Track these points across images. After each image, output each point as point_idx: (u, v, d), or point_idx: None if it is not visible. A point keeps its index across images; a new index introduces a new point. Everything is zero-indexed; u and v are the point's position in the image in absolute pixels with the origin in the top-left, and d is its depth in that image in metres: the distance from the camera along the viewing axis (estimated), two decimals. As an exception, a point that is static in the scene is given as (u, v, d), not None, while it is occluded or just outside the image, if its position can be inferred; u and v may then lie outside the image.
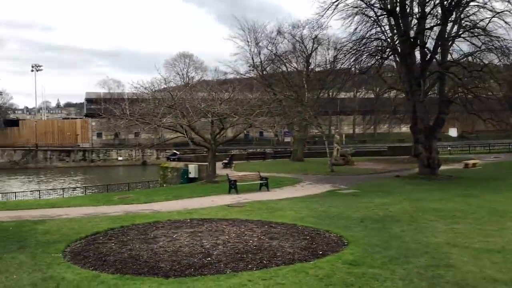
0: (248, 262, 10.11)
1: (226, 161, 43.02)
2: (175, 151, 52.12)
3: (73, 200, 22.64)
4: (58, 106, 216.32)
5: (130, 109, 27.15)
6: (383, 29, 40.46)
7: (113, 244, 12.04)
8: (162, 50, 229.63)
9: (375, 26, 40.64)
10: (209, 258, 10.40)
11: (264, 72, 47.05)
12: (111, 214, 17.53)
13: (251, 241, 12.01)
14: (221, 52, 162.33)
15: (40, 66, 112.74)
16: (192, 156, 48.19)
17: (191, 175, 37.25)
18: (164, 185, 40.81)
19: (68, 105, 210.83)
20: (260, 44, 46.42)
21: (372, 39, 40.58)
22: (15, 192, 39.81)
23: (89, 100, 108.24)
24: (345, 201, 21.34)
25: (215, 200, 21.75)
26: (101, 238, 12.87)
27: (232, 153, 53.31)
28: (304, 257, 10.51)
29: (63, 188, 47.76)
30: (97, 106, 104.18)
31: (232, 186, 24.53)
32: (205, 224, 14.59)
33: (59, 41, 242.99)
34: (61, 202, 21.57)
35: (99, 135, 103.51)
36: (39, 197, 38.06)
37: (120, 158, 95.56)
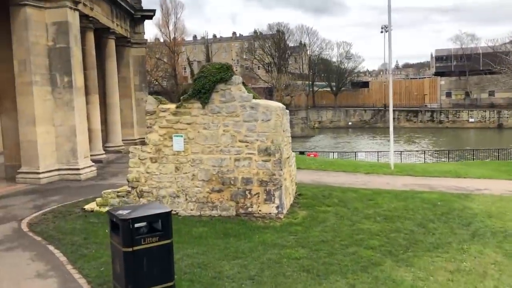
0: None
1: None
2: None
3: (470, 169, 19.17)
4: (396, 67, 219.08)
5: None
6: None
7: None
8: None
9: None
10: None
11: None
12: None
13: None
14: None
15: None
16: None
17: None
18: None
19: (406, 65, 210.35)
20: None
21: None
22: (379, 151, 39.90)
23: (438, 58, 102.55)
24: None
25: None
26: None
27: None
28: None
29: (424, 151, 45.66)
30: (447, 64, 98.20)
31: None
32: None
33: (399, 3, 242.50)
34: (460, 170, 18.40)
35: (448, 94, 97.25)
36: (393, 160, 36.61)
37: (471, 120, 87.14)
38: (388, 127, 77.12)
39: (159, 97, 11.54)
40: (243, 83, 10.93)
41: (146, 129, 11.33)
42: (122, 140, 24.43)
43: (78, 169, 16.31)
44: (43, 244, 9.23)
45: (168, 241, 6.07)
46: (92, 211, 11.64)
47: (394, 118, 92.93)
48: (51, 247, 8.95)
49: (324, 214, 10.94)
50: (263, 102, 10.99)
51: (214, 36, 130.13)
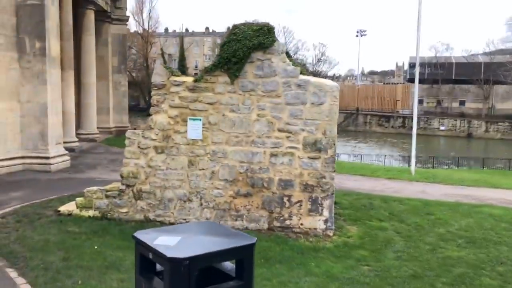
0: None
1: None
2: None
3: (496, 178, 17.16)
4: (362, 73, 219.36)
5: None
6: None
7: None
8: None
9: None
10: None
11: None
12: None
13: None
14: None
15: (364, 31, 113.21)
16: None
17: None
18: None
19: (372, 72, 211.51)
20: None
21: None
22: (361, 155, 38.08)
23: (412, 65, 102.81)
24: None
25: None
26: None
27: None
28: None
29: (408, 156, 44.07)
30: (420, 71, 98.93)
31: None
32: None
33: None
34: (488, 179, 16.34)
35: (420, 101, 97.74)
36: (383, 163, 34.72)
37: (442, 128, 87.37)
38: (360, 131, 74.76)
39: (170, 67, 8.65)
40: (287, 53, 8.21)
41: (152, 108, 8.40)
42: (97, 128, 21.14)
43: (48, 157, 13.07)
44: (0, 266, 6.24)
45: (249, 295, 3.29)
46: (70, 214, 8.65)
47: (366, 122, 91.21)
48: (12, 273, 5.97)
49: (382, 232, 8.38)
50: (314, 79, 8.27)
51: (187, 30, 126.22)
